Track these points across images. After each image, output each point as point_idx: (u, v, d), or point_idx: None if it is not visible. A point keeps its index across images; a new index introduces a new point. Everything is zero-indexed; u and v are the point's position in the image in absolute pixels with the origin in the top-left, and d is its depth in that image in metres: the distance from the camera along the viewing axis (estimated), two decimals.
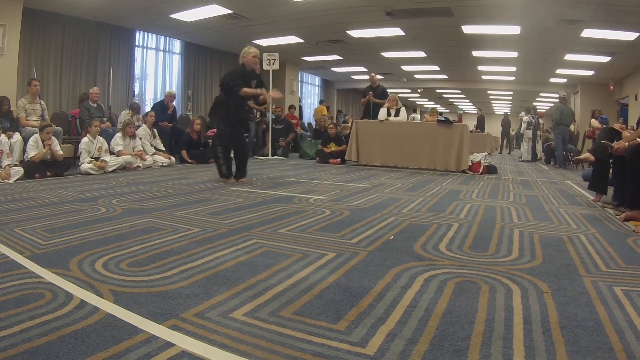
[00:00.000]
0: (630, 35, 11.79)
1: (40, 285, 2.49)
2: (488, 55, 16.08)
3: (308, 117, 21.95)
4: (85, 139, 8.59)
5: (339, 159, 11.52)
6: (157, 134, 10.44)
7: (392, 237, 3.76)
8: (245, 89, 7.08)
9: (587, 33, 11.83)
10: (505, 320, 2.11)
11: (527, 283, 2.66)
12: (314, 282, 2.60)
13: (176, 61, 15.72)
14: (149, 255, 3.09)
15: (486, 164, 10.01)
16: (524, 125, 16.53)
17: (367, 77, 16.38)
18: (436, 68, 19.75)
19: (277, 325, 2.03)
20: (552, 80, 20.21)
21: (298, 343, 1.86)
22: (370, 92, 12.13)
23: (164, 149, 10.35)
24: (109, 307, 2.20)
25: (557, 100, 14.51)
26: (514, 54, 15.52)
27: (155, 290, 2.44)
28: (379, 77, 13.29)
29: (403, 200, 5.81)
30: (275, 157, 13.10)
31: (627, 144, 4.98)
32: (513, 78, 20.77)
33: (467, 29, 12.63)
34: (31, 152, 7.71)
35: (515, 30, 12.23)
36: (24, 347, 1.77)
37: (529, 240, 3.76)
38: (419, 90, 27.07)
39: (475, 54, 15.90)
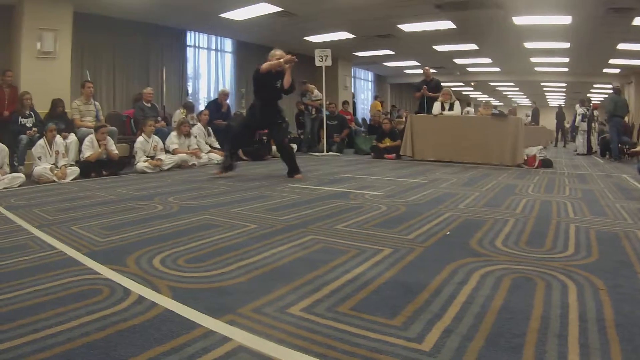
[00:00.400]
0: None
1: (98, 281, 2.53)
2: (540, 47, 15.71)
3: (362, 112, 21.87)
4: (140, 138, 8.71)
5: (394, 154, 11.37)
6: (211, 132, 10.53)
7: (448, 233, 3.71)
8: (264, 65, 7.10)
9: (638, 21, 11.43)
10: (561, 317, 2.09)
11: (583, 279, 2.60)
12: (370, 278, 2.58)
13: (228, 60, 15.79)
14: (206, 251, 3.10)
15: (541, 157, 9.80)
16: (578, 118, 16.12)
17: (419, 71, 16.23)
18: (489, 61, 19.42)
19: (333, 320, 2.03)
20: (605, 70, 19.58)
21: (355, 338, 1.87)
22: (424, 87, 11.99)
23: (219, 146, 10.40)
24: (166, 302, 2.23)
25: (611, 92, 14.08)
26: (566, 45, 15.11)
27: (212, 285, 2.45)
28: (432, 70, 13.12)
29: (459, 195, 5.71)
30: (330, 153, 13.02)
31: None
32: (566, 69, 20.23)
33: (518, 20, 12.35)
34: (87, 152, 7.85)
35: (566, 20, 11.89)
36: (82, 341, 1.82)
37: (584, 236, 3.64)
38: (472, 84, 26.70)
39: (527, 45, 15.55)
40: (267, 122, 7.59)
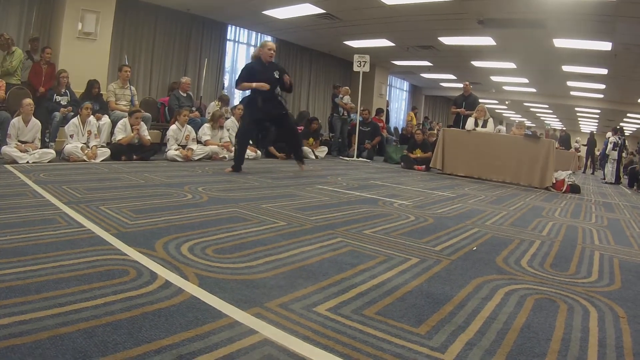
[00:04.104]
0: None
1: (125, 262, 2.51)
2: (578, 71, 15.59)
3: (395, 121, 21.78)
4: (173, 127, 8.77)
5: (424, 166, 11.37)
6: None
7: (475, 248, 3.67)
8: (244, 84, 7.36)
9: None
10: (581, 341, 2.07)
11: (605, 306, 2.56)
12: (397, 285, 2.56)
13: None
14: (234, 243, 3.08)
15: (570, 182, 9.70)
16: (610, 146, 15.93)
17: (455, 85, 16.12)
18: (525, 80, 19.34)
19: (359, 323, 2.02)
20: None
21: (379, 343, 1.86)
22: (463, 109, 11.91)
23: (250, 142, 10.39)
24: (193, 289, 2.21)
25: None
26: (604, 71, 14.99)
27: (240, 278, 2.43)
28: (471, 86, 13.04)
29: (486, 212, 5.65)
30: (360, 159, 13.04)
31: None
32: (601, 96, 20.12)
33: (559, 42, 12.27)
34: (119, 135, 7.92)
35: (606, 46, 11.82)
36: (106, 320, 1.81)
37: (608, 264, 3.58)
38: (507, 102, 26.57)
39: (565, 68, 15.45)
40: (273, 113, 7.58)
